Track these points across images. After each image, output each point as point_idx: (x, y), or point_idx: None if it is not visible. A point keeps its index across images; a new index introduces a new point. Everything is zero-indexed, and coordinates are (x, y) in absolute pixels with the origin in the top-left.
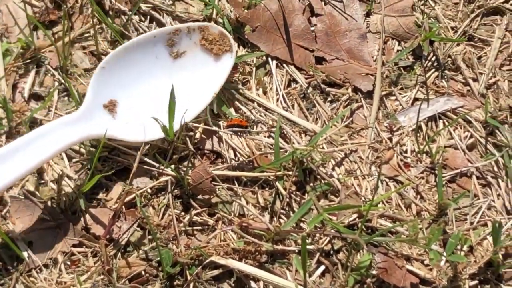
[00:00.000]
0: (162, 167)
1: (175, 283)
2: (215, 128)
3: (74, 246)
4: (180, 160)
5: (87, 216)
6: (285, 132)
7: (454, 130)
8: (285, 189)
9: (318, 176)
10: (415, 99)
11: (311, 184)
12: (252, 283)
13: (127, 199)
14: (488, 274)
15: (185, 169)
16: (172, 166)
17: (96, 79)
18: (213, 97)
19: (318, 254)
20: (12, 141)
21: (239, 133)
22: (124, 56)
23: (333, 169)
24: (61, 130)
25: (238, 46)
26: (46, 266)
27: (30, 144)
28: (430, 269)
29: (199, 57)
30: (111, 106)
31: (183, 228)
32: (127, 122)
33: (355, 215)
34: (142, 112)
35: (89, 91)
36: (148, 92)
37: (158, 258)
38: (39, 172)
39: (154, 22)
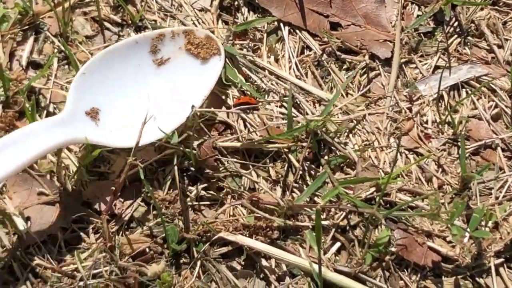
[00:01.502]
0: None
1: (181, 261)
2: (222, 110)
3: (74, 222)
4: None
5: (88, 190)
6: (298, 102)
7: (477, 100)
8: (298, 161)
9: (333, 148)
10: (436, 67)
11: (326, 157)
12: (263, 261)
13: (130, 172)
14: None
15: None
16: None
17: (75, 85)
18: (203, 101)
19: (333, 230)
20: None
21: (248, 111)
22: (105, 62)
23: (349, 140)
24: (42, 133)
25: (249, 12)
26: (44, 243)
27: (7, 147)
28: (453, 246)
29: (185, 62)
30: (93, 114)
31: (190, 203)
32: (111, 130)
33: (372, 189)
34: (127, 120)
35: (69, 97)
36: (132, 100)
37: (163, 235)
38: None
39: None
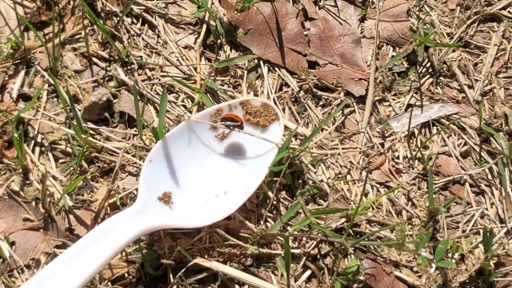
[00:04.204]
0: None
1: (158, 286)
2: (208, 122)
3: (57, 247)
4: None
5: (71, 217)
6: None
7: (448, 137)
8: (272, 192)
9: (307, 180)
10: (409, 105)
11: (300, 188)
12: (237, 287)
13: (113, 199)
14: (479, 283)
15: None
16: None
17: (145, 174)
18: (269, 169)
19: (304, 258)
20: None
21: (231, 127)
22: (169, 146)
23: (323, 173)
24: (120, 227)
25: (231, 50)
26: (28, 266)
27: (89, 246)
28: (420, 276)
29: (246, 133)
30: (166, 198)
31: (168, 230)
32: (184, 210)
33: (343, 220)
34: (198, 197)
35: (141, 187)
36: (201, 178)
37: (141, 260)
38: (25, 172)
39: (146, 25)
